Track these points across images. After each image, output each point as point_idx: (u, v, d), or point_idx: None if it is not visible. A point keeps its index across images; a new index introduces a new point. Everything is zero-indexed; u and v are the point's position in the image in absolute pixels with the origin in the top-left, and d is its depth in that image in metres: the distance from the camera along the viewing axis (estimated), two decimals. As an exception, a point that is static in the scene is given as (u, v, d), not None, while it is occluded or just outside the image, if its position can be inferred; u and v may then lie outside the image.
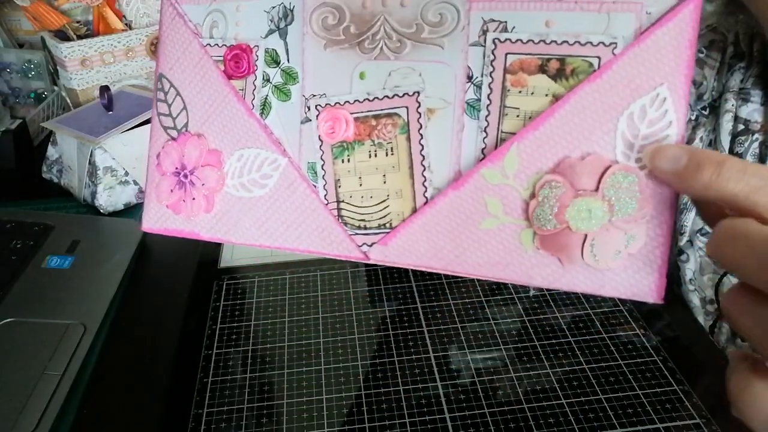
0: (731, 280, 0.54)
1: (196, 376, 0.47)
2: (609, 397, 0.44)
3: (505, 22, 0.24)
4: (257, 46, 0.27)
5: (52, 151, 0.70)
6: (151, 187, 0.30)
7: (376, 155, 0.26)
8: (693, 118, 0.58)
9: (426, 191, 0.26)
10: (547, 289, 0.51)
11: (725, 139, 0.54)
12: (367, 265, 0.58)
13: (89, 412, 0.44)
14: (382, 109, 0.25)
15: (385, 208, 0.26)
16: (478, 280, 0.56)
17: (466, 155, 0.25)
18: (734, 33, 0.55)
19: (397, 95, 0.25)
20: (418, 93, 0.25)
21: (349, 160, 0.26)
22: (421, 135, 0.25)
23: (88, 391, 0.46)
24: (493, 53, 0.24)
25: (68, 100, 0.83)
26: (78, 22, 0.81)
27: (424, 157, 0.25)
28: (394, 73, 0.25)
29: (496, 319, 0.51)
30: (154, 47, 0.82)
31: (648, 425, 0.42)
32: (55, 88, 0.85)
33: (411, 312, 0.53)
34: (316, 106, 0.26)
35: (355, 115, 0.26)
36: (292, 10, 0.26)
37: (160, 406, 0.45)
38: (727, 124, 0.54)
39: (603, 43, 0.24)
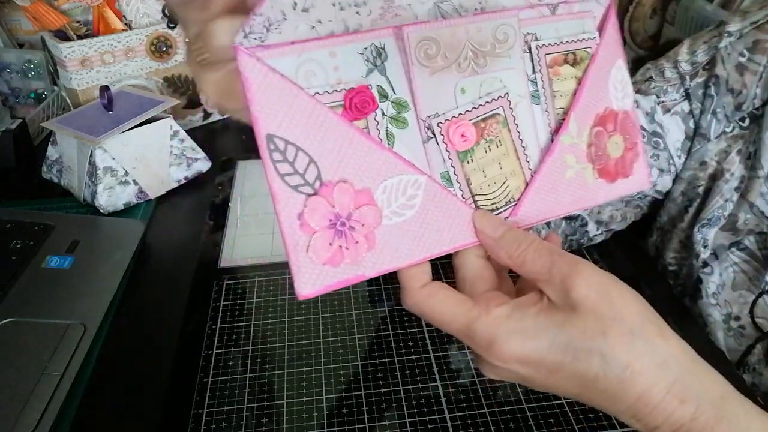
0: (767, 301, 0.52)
1: (196, 376, 0.47)
2: (609, 397, 0.44)
3: (534, 33, 0.34)
4: (369, 84, 0.29)
5: (52, 151, 0.70)
6: (300, 251, 0.28)
7: (490, 150, 0.33)
8: (729, 129, 0.55)
9: (529, 165, 0.34)
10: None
11: (767, 154, 0.51)
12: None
13: (89, 412, 0.44)
14: (486, 113, 0.33)
15: (507, 188, 0.34)
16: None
17: (540, 131, 0.34)
18: None
19: (494, 99, 0.33)
20: (507, 94, 0.33)
21: (472, 160, 0.32)
22: (516, 124, 0.34)
23: (88, 391, 0.46)
24: (538, 55, 0.34)
25: (68, 100, 0.83)
26: (78, 22, 0.81)
27: (522, 140, 0.34)
28: (484, 83, 0.32)
29: (496, 319, 0.51)
30: (153, 47, 0.82)
31: (648, 425, 0.42)
32: (55, 88, 0.85)
33: (411, 312, 0.53)
34: (437, 123, 0.31)
35: None
36: (383, 48, 0.30)
37: (160, 406, 0.45)
38: None
39: (590, 38, 0.35)
